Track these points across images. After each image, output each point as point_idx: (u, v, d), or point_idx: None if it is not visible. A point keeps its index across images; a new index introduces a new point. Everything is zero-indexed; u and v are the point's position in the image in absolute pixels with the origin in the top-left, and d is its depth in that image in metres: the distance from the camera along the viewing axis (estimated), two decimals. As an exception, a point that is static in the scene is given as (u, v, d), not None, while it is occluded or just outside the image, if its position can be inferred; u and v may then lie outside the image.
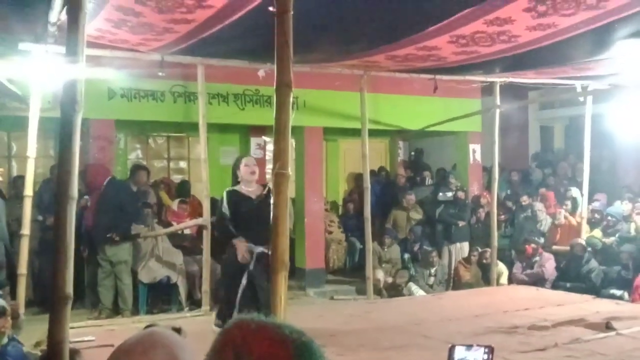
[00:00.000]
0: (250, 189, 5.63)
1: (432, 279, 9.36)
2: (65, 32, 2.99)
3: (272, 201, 5.48)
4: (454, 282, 9.62)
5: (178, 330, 1.55)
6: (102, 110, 8.05)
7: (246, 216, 5.45)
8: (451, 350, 2.73)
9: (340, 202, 11.84)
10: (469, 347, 2.75)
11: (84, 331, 6.02)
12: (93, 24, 5.37)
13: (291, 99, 3.32)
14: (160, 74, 6.85)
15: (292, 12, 3.25)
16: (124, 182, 8.14)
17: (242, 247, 5.47)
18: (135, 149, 10.66)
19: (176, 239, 8.21)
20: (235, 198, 5.60)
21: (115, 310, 7.50)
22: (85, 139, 8.47)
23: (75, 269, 7.80)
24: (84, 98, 3.04)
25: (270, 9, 3.28)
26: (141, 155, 10.65)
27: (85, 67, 3.07)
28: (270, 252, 5.36)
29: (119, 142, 9.92)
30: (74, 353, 2.92)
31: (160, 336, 1.45)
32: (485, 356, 2.72)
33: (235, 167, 5.80)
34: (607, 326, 6.12)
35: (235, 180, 5.74)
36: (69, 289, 2.75)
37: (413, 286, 9.12)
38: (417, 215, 10.46)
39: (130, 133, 10.28)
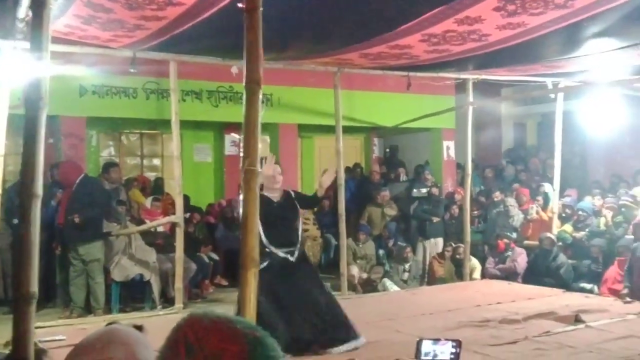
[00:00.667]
0: (273, 195, 5.63)
1: (406, 275, 9.42)
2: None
3: (294, 202, 5.58)
4: (428, 278, 9.71)
5: (139, 328, 1.55)
6: (73, 108, 7.97)
7: (270, 220, 5.44)
8: (419, 344, 2.77)
9: (316, 199, 11.85)
10: (436, 340, 2.79)
11: (55, 330, 5.95)
12: (62, 20, 5.31)
13: (261, 96, 3.32)
14: (132, 70, 6.80)
15: (261, 9, 3.24)
16: (97, 179, 8.06)
17: None
18: (107, 146, 10.57)
19: (149, 237, 8.16)
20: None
21: (88, 309, 7.43)
22: (56, 136, 8.39)
23: (47, 267, 7.74)
24: (54, 95, 3.00)
25: (240, 5, 3.27)
26: (114, 152, 10.56)
27: (50, 63, 3.04)
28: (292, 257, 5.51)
29: (91, 140, 9.83)
30: (41, 352, 2.90)
31: (119, 333, 1.46)
32: (453, 350, 2.77)
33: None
34: (577, 319, 6.23)
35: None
36: (34, 287, 2.72)
37: (387, 282, 9.18)
38: (391, 211, 10.52)
39: (103, 130, 10.19)
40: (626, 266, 7.88)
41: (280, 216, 5.51)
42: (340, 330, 5.37)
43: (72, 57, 6.64)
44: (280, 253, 5.42)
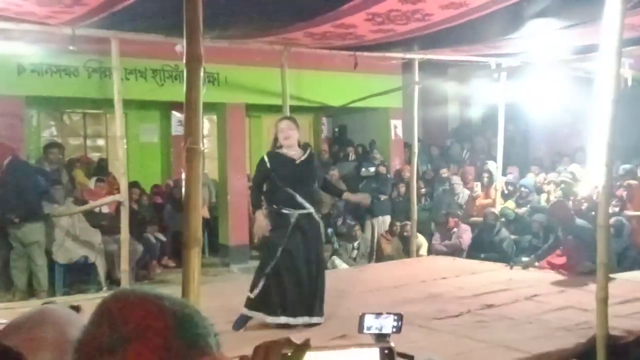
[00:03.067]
0: (292, 152, 5.49)
1: (355, 253, 9.54)
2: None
3: (315, 164, 5.45)
4: (377, 255, 9.85)
5: (76, 308, 1.53)
6: (10, 86, 7.71)
7: (289, 178, 5.36)
8: (361, 318, 2.82)
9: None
10: (378, 315, 2.84)
11: (-4, 314, 5.82)
12: (-4, -5, 5.11)
13: (202, 74, 3.28)
14: (72, 48, 6.59)
15: (201, -15, 3.20)
16: (24, 161, 7.81)
17: (259, 219, 5.43)
18: (49, 126, 10.28)
19: (94, 218, 8.01)
20: (276, 160, 5.48)
21: (30, 292, 7.27)
22: (-7, 116, 8.10)
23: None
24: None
25: (179, -19, 3.21)
26: (56, 132, 10.28)
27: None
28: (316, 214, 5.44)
29: (31, 120, 9.53)
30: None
31: (51, 313, 1.43)
32: (395, 323, 2.83)
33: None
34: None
35: (276, 144, 5.61)
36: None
37: (336, 260, 9.28)
38: (340, 190, 10.58)
39: (44, 110, 9.90)
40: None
41: (299, 176, 5.39)
42: (313, 303, 5.40)
43: (9, 34, 6.39)
44: (293, 213, 5.36)
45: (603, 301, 4.51)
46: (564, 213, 7.75)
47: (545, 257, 7.71)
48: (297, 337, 1.72)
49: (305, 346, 1.74)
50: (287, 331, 5.08)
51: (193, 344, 1.00)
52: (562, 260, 7.66)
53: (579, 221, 7.61)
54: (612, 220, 7.85)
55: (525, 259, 8.07)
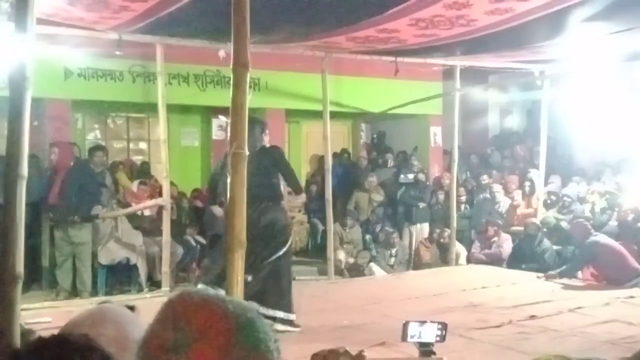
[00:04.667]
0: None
1: (392, 260, 9.48)
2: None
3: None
4: (414, 263, 9.77)
5: (132, 308, 1.56)
6: (58, 90, 7.88)
7: None
8: (405, 326, 2.79)
9: (304, 184, 11.86)
10: (422, 323, 2.81)
11: (41, 312, 5.94)
12: (47, 1, 5.24)
13: (248, 79, 3.30)
14: (118, 53, 6.73)
15: (249, -9, 3.23)
16: (89, 164, 8.02)
17: None
18: (93, 130, 10.47)
19: (136, 221, 8.13)
20: None
21: (74, 292, 7.41)
22: (41, 119, 8.30)
23: (33, 249, 7.68)
24: (39, 77, 2.97)
25: (227, -13, 3.25)
26: (100, 135, 10.46)
27: (35, 44, 3.01)
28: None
29: (77, 123, 9.73)
30: (28, 333, 2.89)
31: (110, 312, 1.46)
32: (439, 332, 2.79)
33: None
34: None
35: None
36: (20, 268, 2.71)
37: (374, 266, 9.23)
38: (378, 197, 10.55)
39: (89, 113, 10.09)
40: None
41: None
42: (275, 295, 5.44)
43: (57, 39, 6.55)
44: None
45: (651, 315, 4.38)
46: (582, 232, 7.72)
47: (570, 274, 7.63)
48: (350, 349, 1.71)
49: (361, 357, 1.74)
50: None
51: (254, 348, 1.00)
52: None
53: (594, 238, 7.58)
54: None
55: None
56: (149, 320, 1.17)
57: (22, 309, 6.17)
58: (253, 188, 4.59)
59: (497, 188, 10.37)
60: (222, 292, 4.96)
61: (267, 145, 5.65)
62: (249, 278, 5.21)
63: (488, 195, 10.37)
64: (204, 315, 1.00)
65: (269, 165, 5.52)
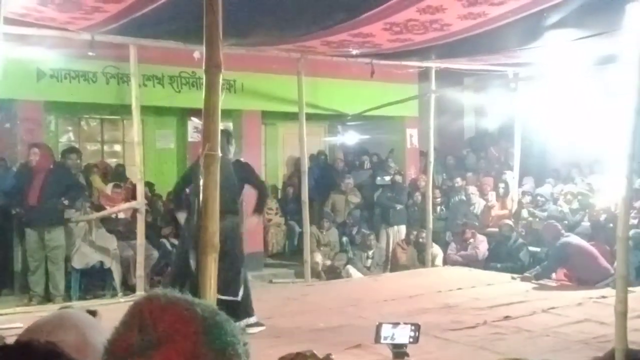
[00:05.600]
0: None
1: (369, 262, 9.49)
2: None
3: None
4: (392, 264, 9.79)
5: (93, 313, 1.53)
6: (30, 91, 7.77)
7: None
8: (378, 328, 2.79)
9: (280, 186, 11.83)
10: (396, 324, 2.82)
11: (13, 318, 5.85)
12: (18, 1, 5.16)
13: (221, 80, 3.28)
14: (91, 54, 6.65)
15: (221, -8, 3.21)
16: (67, 167, 7.91)
17: None
18: (67, 132, 10.33)
19: (110, 224, 8.03)
20: None
21: (47, 297, 7.30)
22: (13, 121, 8.18)
23: (4, 254, 7.54)
24: (10, 78, 2.92)
25: (199, -12, 3.23)
26: (73, 137, 10.33)
27: (4, 45, 2.95)
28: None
29: (50, 125, 9.60)
30: (-4, 339, 2.83)
31: (70, 317, 1.43)
32: (412, 333, 2.80)
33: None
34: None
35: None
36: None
37: (351, 269, 9.23)
38: (355, 199, 10.56)
39: (62, 115, 9.96)
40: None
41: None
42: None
43: (29, 40, 6.45)
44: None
45: (622, 314, 4.43)
46: (553, 233, 7.84)
47: (544, 276, 7.71)
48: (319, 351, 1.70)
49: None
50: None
51: (221, 352, 0.99)
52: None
53: (565, 239, 7.67)
54: (632, 232, 7.78)
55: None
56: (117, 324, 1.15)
57: (-7, 315, 6.10)
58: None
59: (473, 190, 10.45)
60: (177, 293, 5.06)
61: (231, 155, 5.70)
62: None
63: (463, 197, 10.46)
64: (170, 318, 0.98)
65: (240, 179, 5.61)
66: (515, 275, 8.01)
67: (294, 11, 5.51)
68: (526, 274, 7.91)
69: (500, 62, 8.40)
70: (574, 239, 7.79)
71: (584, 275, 7.50)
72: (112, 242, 7.76)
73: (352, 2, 5.22)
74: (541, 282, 7.69)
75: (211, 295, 3.06)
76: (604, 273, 7.38)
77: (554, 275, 7.99)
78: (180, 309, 1.00)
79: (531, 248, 9.05)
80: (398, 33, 6.03)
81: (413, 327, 2.76)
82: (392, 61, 8.34)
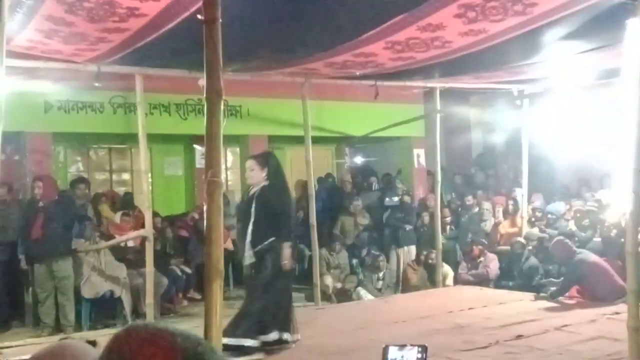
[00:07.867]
0: (253, 190, 5.85)
1: (380, 283, 9.43)
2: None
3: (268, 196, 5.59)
4: (403, 285, 9.73)
5: (93, 343, 1.53)
6: (38, 123, 7.87)
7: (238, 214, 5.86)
8: (385, 350, 2.77)
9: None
10: (402, 346, 2.79)
11: (23, 350, 5.84)
12: (24, 35, 5.25)
13: (222, 107, 3.31)
14: (97, 85, 6.73)
15: (220, 21, 3.24)
16: (72, 198, 7.97)
17: None
18: (75, 162, 10.43)
19: (120, 252, 8.05)
20: (242, 197, 6.16)
21: (57, 328, 7.30)
22: (22, 153, 8.26)
23: (14, 286, 7.57)
24: (18, 111, 2.96)
25: (199, 17, 3.27)
26: (82, 167, 10.43)
27: (8, 78, 3.00)
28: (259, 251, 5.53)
29: (58, 155, 9.70)
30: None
31: (70, 347, 1.43)
32: (419, 355, 2.76)
33: None
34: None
35: None
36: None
37: (362, 291, 9.18)
38: (364, 220, 10.53)
39: (70, 145, 10.07)
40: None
41: (243, 212, 5.81)
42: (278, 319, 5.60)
43: (36, 73, 6.55)
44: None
45: (635, 330, 4.38)
46: (565, 251, 7.71)
47: (560, 295, 7.60)
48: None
49: None
50: None
51: None
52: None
53: (580, 257, 7.56)
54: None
55: (553, 288, 7.88)
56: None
57: (5, 347, 6.10)
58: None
59: (488, 206, 10.43)
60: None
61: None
62: None
63: (475, 213, 10.41)
64: (149, 350, 0.98)
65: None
66: (529, 295, 7.89)
67: (294, 34, 5.56)
68: (542, 294, 7.78)
69: (504, 79, 8.41)
70: (589, 255, 7.67)
71: (598, 292, 7.39)
72: (121, 271, 7.78)
73: (352, 23, 5.27)
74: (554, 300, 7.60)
75: (217, 323, 3.05)
76: (619, 290, 7.27)
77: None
78: (160, 341, 1.00)
79: (543, 266, 8.96)
80: (400, 52, 6.06)
81: (420, 349, 2.74)
82: (396, 82, 8.38)
